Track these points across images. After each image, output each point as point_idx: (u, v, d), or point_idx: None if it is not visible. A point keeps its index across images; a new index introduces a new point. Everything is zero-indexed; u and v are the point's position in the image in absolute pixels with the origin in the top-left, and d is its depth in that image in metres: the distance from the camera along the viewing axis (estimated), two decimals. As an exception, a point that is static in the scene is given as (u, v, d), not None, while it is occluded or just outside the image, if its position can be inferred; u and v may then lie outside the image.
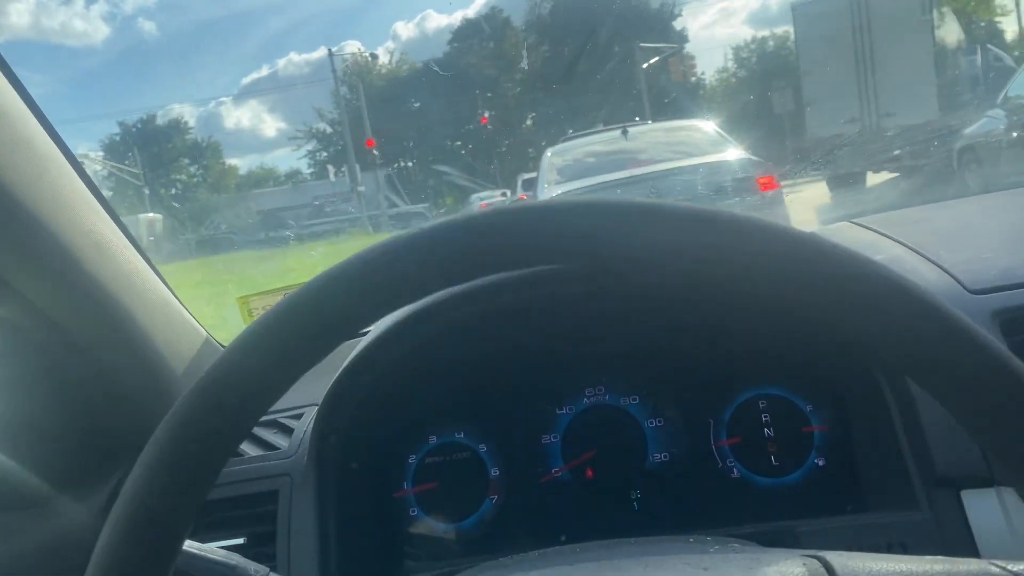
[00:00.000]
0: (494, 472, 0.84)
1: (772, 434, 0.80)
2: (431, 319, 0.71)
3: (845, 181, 9.42)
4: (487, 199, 24.07)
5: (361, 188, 27.66)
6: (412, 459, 0.85)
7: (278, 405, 0.52)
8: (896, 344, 0.36)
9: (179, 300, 0.88)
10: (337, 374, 0.75)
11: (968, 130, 7.23)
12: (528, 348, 0.83)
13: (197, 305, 0.97)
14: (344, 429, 0.77)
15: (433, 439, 0.85)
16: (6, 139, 0.59)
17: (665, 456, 0.82)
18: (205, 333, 0.91)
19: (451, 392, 0.85)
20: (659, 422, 0.83)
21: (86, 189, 0.71)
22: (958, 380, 0.35)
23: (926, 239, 0.80)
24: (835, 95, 11.47)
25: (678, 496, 0.81)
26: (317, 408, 0.76)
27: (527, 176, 10.00)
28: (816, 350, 0.76)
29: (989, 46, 11.24)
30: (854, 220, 0.93)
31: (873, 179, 9.48)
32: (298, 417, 0.83)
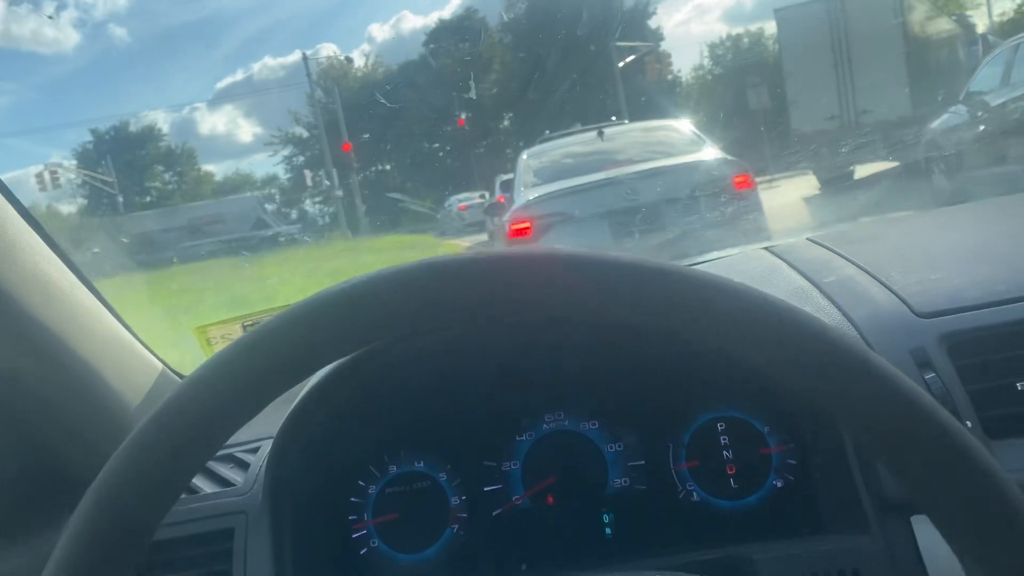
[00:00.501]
0: (455, 501, 0.83)
1: (731, 456, 0.81)
2: (386, 350, 0.71)
3: (833, 173, 10.15)
4: (465, 201, 24.05)
5: (339, 192, 27.55)
6: (372, 489, 0.84)
7: (234, 438, 0.52)
8: (792, 376, 0.37)
9: (131, 331, 0.87)
10: (291, 407, 0.74)
11: (932, 125, 7.48)
12: (486, 375, 0.82)
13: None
14: (299, 463, 0.76)
15: (392, 469, 0.84)
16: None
17: (625, 481, 0.82)
18: (161, 364, 0.90)
19: (409, 421, 0.84)
20: (619, 447, 0.83)
21: (23, 223, 0.70)
22: (852, 407, 0.36)
23: (879, 258, 0.81)
24: (816, 94, 12.38)
25: (639, 521, 0.81)
26: (271, 442, 0.75)
27: (505, 177, 10.00)
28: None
29: (989, 36, 11.81)
30: (811, 237, 0.93)
31: (862, 171, 9.76)
32: (254, 451, 0.82)
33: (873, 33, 11.92)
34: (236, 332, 0.96)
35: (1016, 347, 0.64)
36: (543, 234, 5.32)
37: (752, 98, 18.66)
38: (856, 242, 0.88)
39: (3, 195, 0.67)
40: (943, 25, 13.02)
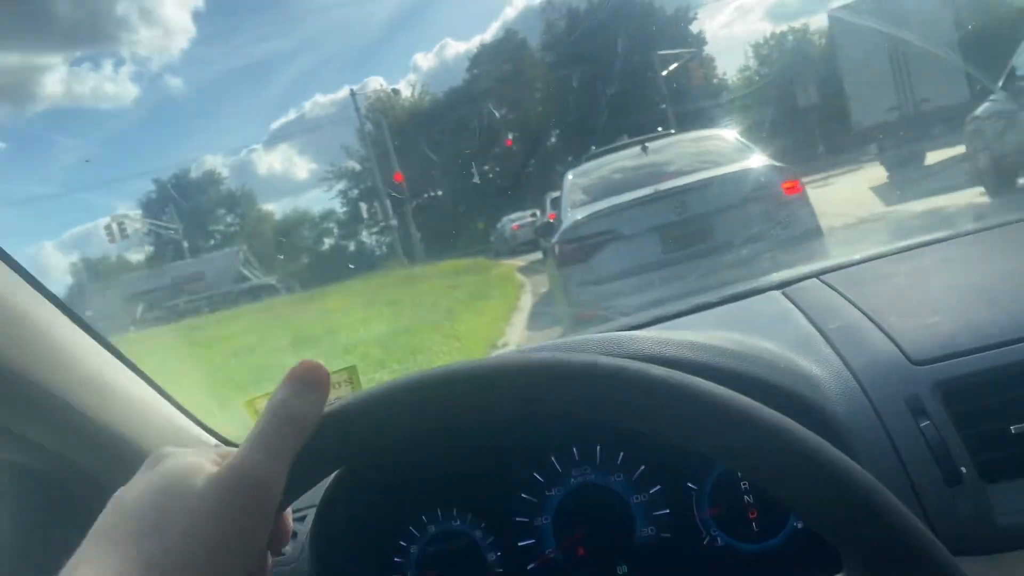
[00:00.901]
0: (491, 557, 0.88)
1: (752, 501, 0.83)
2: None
3: (903, 161, 10.60)
4: (518, 221, 24.17)
5: (393, 222, 27.94)
6: (413, 549, 0.89)
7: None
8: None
9: (183, 409, 0.94)
10: (332, 475, 0.80)
11: (974, 113, 7.49)
12: (516, 436, 0.87)
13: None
14: (342, 529, 0.82)
15: (431, 528, 0.90)
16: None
17: (652, 530, 0.85)
18: (200, 431, 0.97)
19: (444, 482, 0.89)
20: (644, 497, 0.86)
21: (55, 311, 0.77)
22: (766, 472, 0.41)
23: (882, 301, 0.83)
24: (874, 88, 12.89)
25: (667, 569, 0.84)
26: (315, 510, 0.81)
27: (555, 195, 10.04)
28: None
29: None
30: (822, 278, 0.96)
31: (933, 157, 9.76)
32: (302, 519, 0.88)
33: (925, 23, 12.25)
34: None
35: (1008, 391, 0.66)
36: (593, 254, 5.33)
37: (801, 96, 18.38)
38: (862, 284, 0.91)
39: (36, 288, 0.74)
40: (995, 8, 13.03)
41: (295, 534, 0.87)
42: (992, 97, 7.16)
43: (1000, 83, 7.10)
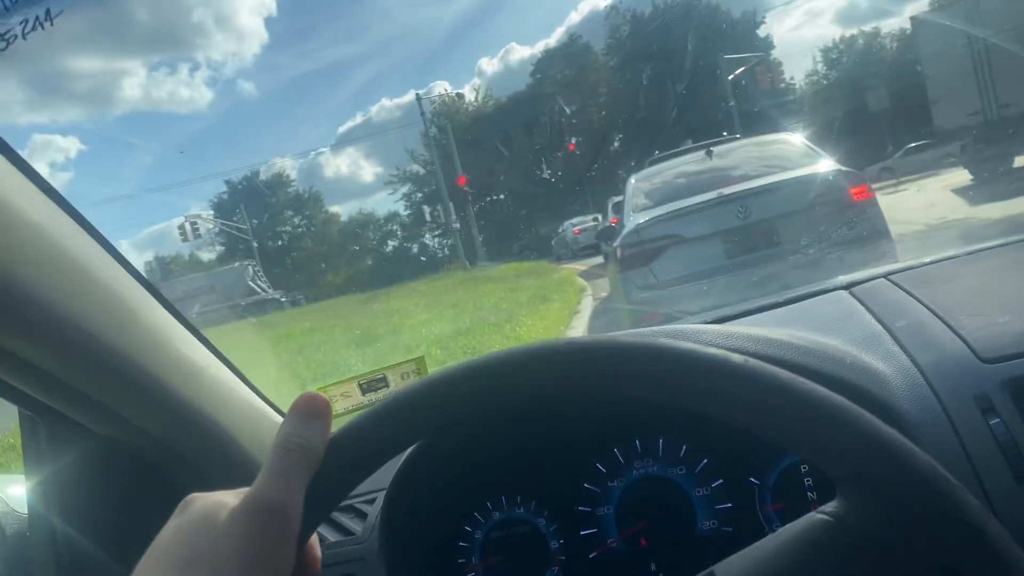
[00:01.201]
0: (553, 544, 0.90)
1: (815, 497, 0.83)
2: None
3: (988, 165, 10.69)
4: (579, 225, 24.17)
5: (456, 225, 28.19)
6: (478, 534, 0.92)
7: (357, 490, 0.61)
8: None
9: (250, 385, 0.98)
10: (401, 460, 0.83)
11: None
12: (580, 426, 0.89)
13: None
14: (410, 511, 0.85)
15: (496, 515, 0.92)
16: (63, 269, 0.70)
17: (713, 523, 0.86)
18: (276, 415, 1.01)
19: (509, 470, 0.91)
20: (706, 490, 0.87)
21: (155, 303, 0.82)
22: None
23: (952, 300, 0.82)
24: (956, 93, 12.95)
25: (728, 562, 0.85)
26: (385, 493, 0.85)
27: (617, 199, 10.02)
28: None
29: None
30: (891, 278, 0.95)
31: (1021, 160, 9.54)
32: (371, 502, 0.92)
33: (1009, 29, 12.20)
34: (353, 390, 1.07)
35: (1081, 391, 0.65)
36: (655, 258, 5.30)
37: (872, 100, 17.96)
38: (932, 283, 0.90)
39: (148, 289, 0.80)
40: None
41: (365, 515, 0.91)
42: None
43: None
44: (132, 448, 0.82)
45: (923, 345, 0.75)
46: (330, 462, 0.50)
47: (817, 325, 0.90)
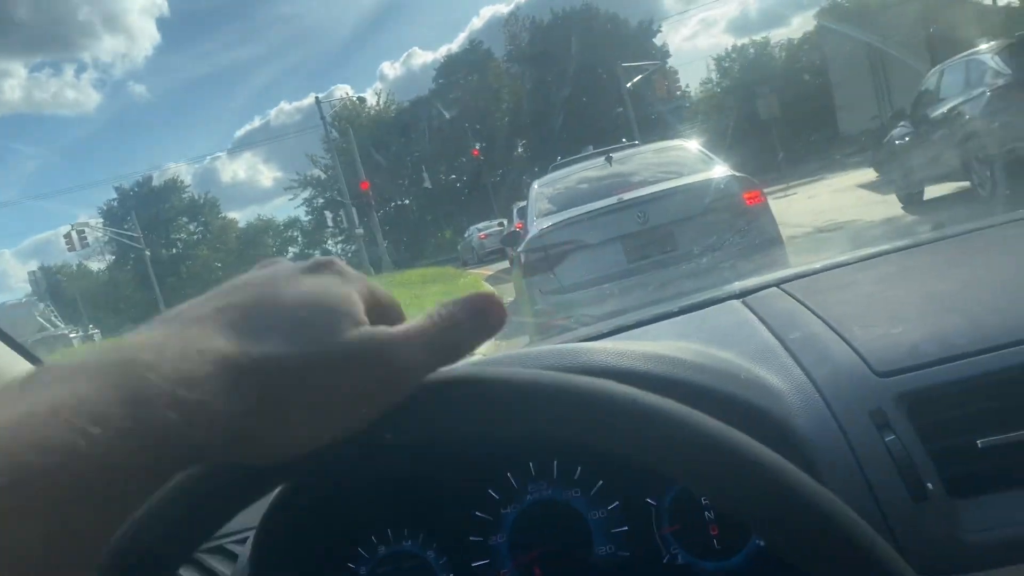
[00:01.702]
0: (444, 578, 0.84)
1: (713, 517, 0.81)
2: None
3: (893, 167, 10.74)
4: (485, 230, 24.23)
5: (359, 230, 27.81)
6: (362, 572, 0.85)
7: (226, 528, 0.53)
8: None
9: None
10: (272, 495, 0.75)
11: (888, 136, 8.90)
12: (468, 452, 0.84)
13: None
14: (285, 551, 0.77)
15: (381, 550, 0.85)
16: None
17: (610, 548, 0.82)
18: None
19: (394, 502, 0.85)
20: (602, 513, 0.83)
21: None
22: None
23: (845, 310, 0.81)
24: (858, 100, 14.22)
25: (626, 588, 0.81)
26: (254, 533, 0.77)
27: (522, 204, 10.11)
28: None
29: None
30: (783, 287, 0.94)
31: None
32: (242, 542, 0.84)
33: (903, 41, 13.48)
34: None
35: (975, 403, 0.64)
36: (558, 263, 5.34)
37: (762, 107, 18.68)
38: (825, 292, 0.89)
39: None
40: (968, 30, 13.78)
41: (235, 556, 0.83)
42: (901, 124, 8.31)
43: (908, 111, 8.20)
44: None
45: (817, 358, 0.73)
46: (196, 494, 0.44)
47: (712, 336, 0.87)
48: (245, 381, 0.35)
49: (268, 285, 0.41)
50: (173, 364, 0.33)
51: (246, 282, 0.41)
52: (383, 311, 0.45)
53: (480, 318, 0.44)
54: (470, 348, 0.44)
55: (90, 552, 0.30)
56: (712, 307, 0.99)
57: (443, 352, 0.42)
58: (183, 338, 0.36)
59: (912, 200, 7.94)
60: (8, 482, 0.27)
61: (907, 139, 8.03)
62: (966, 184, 6.95)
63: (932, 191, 7.81)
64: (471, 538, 0.85)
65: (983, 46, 7.16)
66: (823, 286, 0.92)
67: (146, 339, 0.35)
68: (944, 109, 7.16)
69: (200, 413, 0.33)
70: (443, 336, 0.42)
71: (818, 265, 1.06)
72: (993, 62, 6.66)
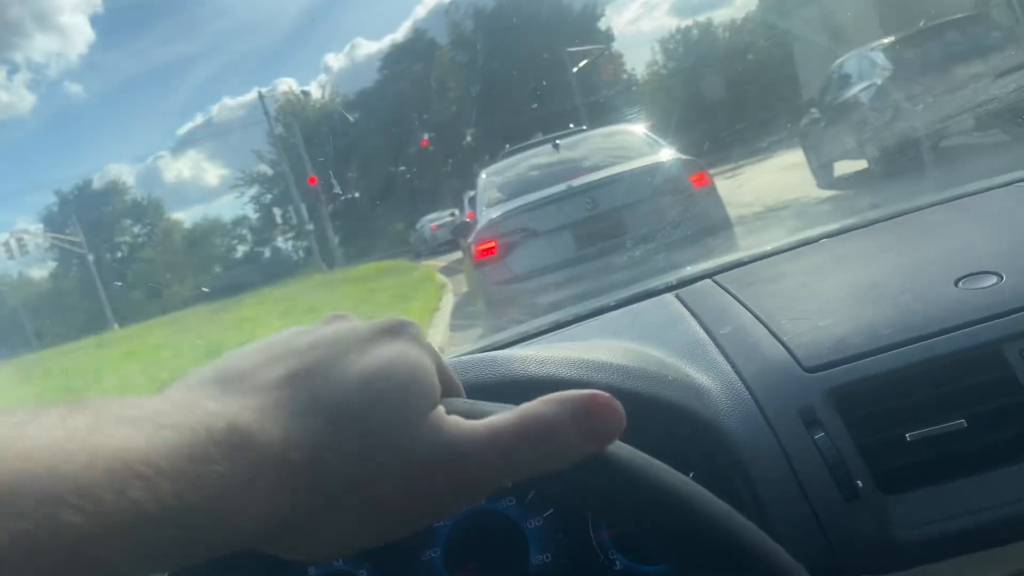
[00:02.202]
0: (377, 597, 0.81)
1: (649, 520, 0.79)
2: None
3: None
4: (436, 221, 24.08)
5: (309, 227, 27.49)
6: (293, 593, 0.82)
7: None
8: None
9: None
10: None
11: (802, 123, 9.70)
12: None
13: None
14: (211, 573, 0.74)
15: (311, 571, 0.82)
16: None
17: (547, 557, 0.80)
18: None
19: None
20: (538, 522, 0.81)
21: None
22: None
23: (775, 303, 0.80)
24: (807, 76, 13.88)
25: (566, 596, 0.79)
26: None
27: (472, 194, 10.08)
28: (678, 432, 0.75)
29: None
30: (716, 279, 0.93)
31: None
32: None
33: (855, 16, 13.49)
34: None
35: (902, 396, 0.63)
36: (509, 252, 5.32)
37: (707, 89, 18.87)
38: (756, 284, 0.88)
39: None
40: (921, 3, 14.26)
41: None
42: (812, 110, 9.39)
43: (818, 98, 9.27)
44: None
45: (747, 355, 0.71)
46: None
47: (644, 333, 0.86)
48: (310, 476, 0.32)
49: (339, 350, 0.36)
50: (239, 446, 0.30)
51: (314, 342, 0.36)
52: (446, 380, 0.41)
53: (587, 424, 0.36)
54: (570, 461, 0.36)
55: None
56: (646, 301, 0.97)
57: (534, 463, 0.36)
58: (255, 413, 0.32)
59: (823, 175, 8.80)
60: (86, 522, 0.25)
61: (816, 123, 9.01)
62: (863, 163, 7.90)
63: (840, 168, 8.60)
64: (403, 553, 0.82)
65: (873, 43, 8.27)
66: (755, 277, 0.91)
67: (216, 406, 0.31)
68: (843, 97, 8.23)
69: (255, 503, 0.30)
70: (537, 443, 0.36)
71: (750, 254, 1.05)
72: (879, 58, 7.81)
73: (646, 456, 0.39)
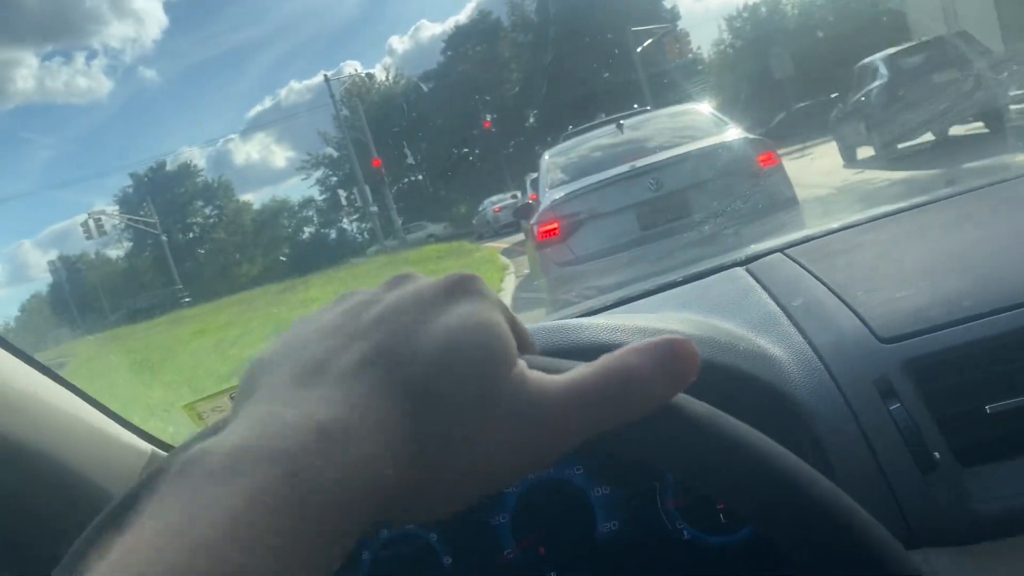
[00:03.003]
0: (447, 560, 0.83)
1: (718, 491, 0.79)
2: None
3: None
4: (499, 202, 24.14)
5: (373, 208, 27.82)
6: (365, 555, 0.84)
7: None
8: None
9: (118, 418, 0.88)
10: None
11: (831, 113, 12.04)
12: None
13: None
14: None
15: (383, 533, 0.85)
16: None
17: (614, 525, 0.81)
18: (150, 446, 0.91)
19: None
20: (605, 490, 0.81)
21: None
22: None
23: (849, 275, 0.78)
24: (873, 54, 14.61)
25: (631, 564, 0.80)
26: None
27: (534, 176, 10.08)
28: (748, 403, 0.75)
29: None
30: (786, 252, 0.91)
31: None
32: None
33: None
34: (225, 405, 0.97)
35: (983, 367, 0.61)
36: (571, 233, 5.29)
37: (776, 67, 18.38)
38: (829, 256, 0.86)
39: None
40: None
41: None
42: (839, 104, 11.65)
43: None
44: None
45: (820, 326, 0.70)
46: None
47: (714, 306, 0.85)
48: (409, 457, 0.32)
49: (410, 320, 0.36)
50: (342, 447, 0.30)
51: (384, 314, 0.36)
52: (518, 336, 0.40)
53: (669, 365, 0.36)
54: (653, 406, 0.36)
55: None
56: (715, 276, 0.96)
57: (618, 411, 0.36)
58: (344, 407, 0.32)
59: (849, 156, 10.96)
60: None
61: (841, 114, 11.29)
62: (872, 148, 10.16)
63: (861, 152, 10.74)
64: (473, 519, 0.83)
65: (879, 53, 10.51)
66: (828, 250, 0.90)
67: (304, 411, 0.31)
68: (858, 96, 10.57)
69: (370, 495, 0.30)
70: (620, 390, 0.35)
71: (822, 229, 1.03)
72: (881, 66, 10.10)
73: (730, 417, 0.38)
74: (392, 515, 0.33)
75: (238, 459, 0.29)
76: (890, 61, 10.09)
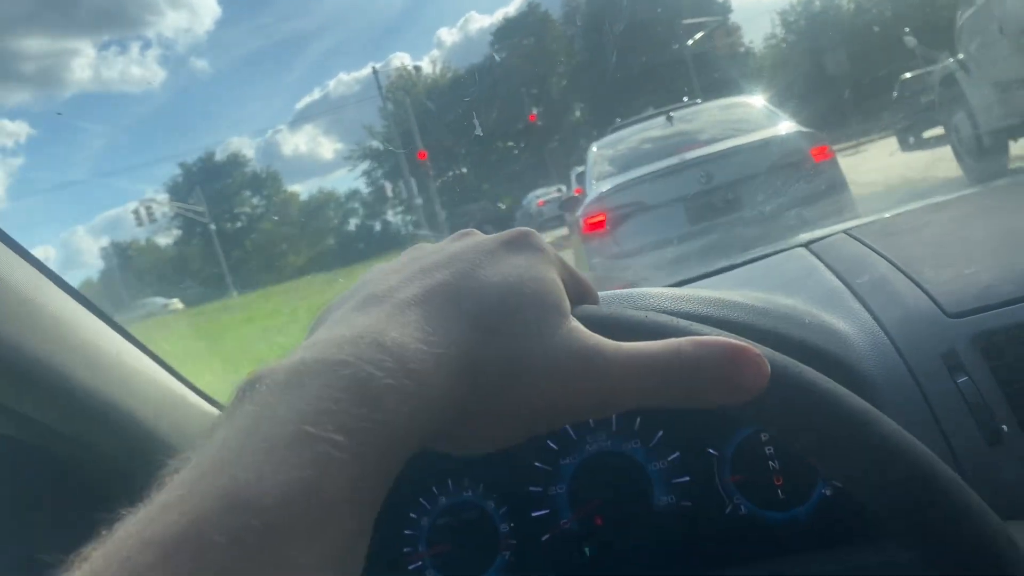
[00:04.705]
0: (504, 528, 0.85)
1: (777, 467, 0.79)
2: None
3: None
4: (543, 196, 24.08)
5: (418, 200, 27.98)
6: (424, 521, 0.86)
7: None
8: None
9: (187, 382, 0.91)
10: None
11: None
12: None
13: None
14: None
15: (442, 500, 0.86)
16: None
17: (671, 498, 0.81)
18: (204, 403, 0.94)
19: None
20: (662, 464, 0.82)
21: (72, 301, 0.74)
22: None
23: (914, 253, 0.78)
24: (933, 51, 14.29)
25: (688, 537, 0.80)
26: None
27: (580, 169, 10.03)
28: None
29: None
30: (848, 231, 0.91)
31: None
32: None
33: None
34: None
35: (1054, 343, 0.61)
36: (618, 226, 5.26)
37: (830, 62, 18.04)
38: (893, 235, 0.85)
39: (46, 274, 0.72)
40: None
41: None
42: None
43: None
44: (38, 446, 0.75)
45: (886, 301, 0.70)
46: None
47: (776, 284, 0.85)
48: (463, 377, 0.34)
49: (471, 264, 0.38)
50: (397, 357, 0.32)
51: (446, 259, 0.38)
52: (577, 288, 0.42)
53: (730, 371, 0.36)
54: (702, 406, 0.36)
55: (359, 558, 0.30)
56: (777, 256, 0.96)
57: (669, 396, 0.36)
58: (402, 327, 0.33)
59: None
60: (282, 502, 0.26)
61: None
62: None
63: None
64: (531, 488, 0.85)
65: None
66: (893, 229, 0.89)
67: (362, 329, 0.33)
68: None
69: (424, 409, 0.32)
70: (674, 379, 0.36)
71: (888, 214, 1.02)
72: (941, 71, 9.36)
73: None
74: (441, 439, 0.35)
75: (300, 372, 0.30)
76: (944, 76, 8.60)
